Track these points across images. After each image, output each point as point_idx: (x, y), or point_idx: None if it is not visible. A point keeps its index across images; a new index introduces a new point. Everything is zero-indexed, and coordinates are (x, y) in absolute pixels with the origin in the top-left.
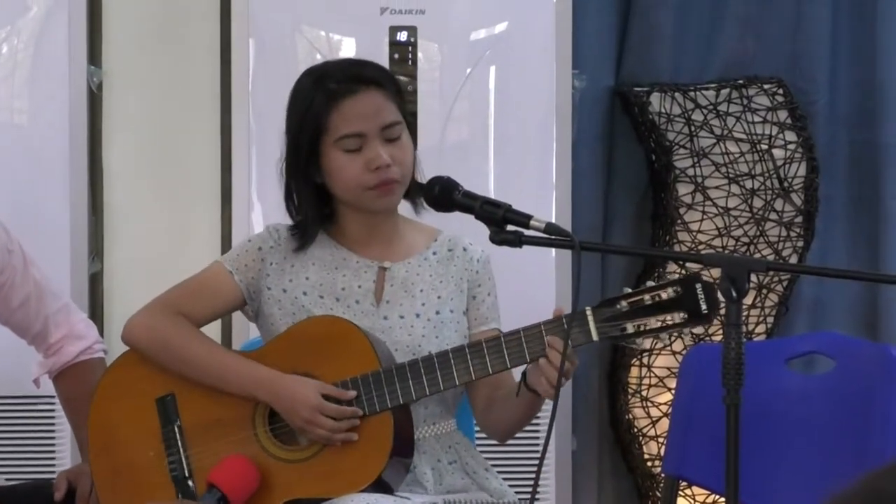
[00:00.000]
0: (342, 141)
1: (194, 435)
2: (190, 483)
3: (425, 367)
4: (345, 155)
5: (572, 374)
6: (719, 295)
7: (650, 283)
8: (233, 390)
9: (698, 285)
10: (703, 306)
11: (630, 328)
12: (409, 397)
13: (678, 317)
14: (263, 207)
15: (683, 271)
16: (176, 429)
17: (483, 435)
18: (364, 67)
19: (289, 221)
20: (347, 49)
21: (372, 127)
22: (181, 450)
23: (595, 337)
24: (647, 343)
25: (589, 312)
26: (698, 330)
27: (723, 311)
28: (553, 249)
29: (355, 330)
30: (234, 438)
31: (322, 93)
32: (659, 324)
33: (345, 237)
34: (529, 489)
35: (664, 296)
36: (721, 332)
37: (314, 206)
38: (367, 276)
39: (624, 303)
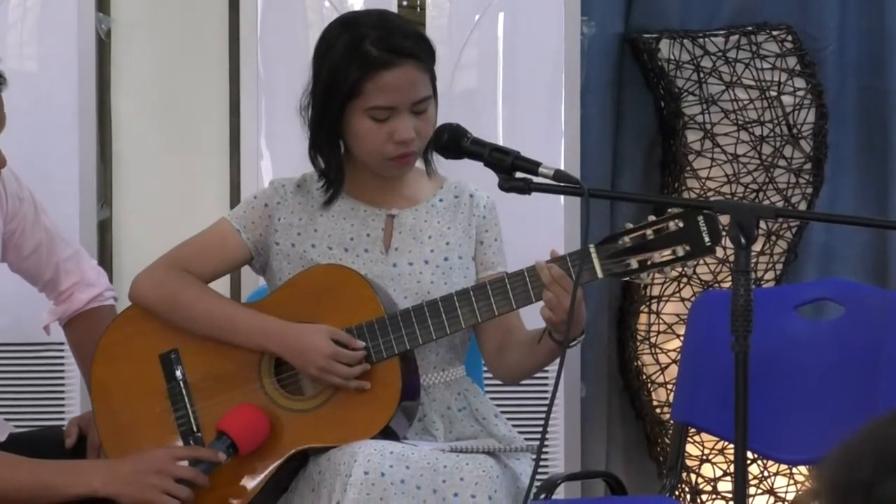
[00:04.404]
0: (372, 111)
1: (200, 389)
2: (199, 436)
3: (430, 311)
4: (371, 123)
5: (579, 307)
6: (723, 229)
7: (652, 218)
8: (242, 343)
9: (700, 217)
10: (706, 238)
11: (634, 263)
12: (415, 342)
13: (682, 249)
14: (272, 154)
15: None
16: (181, 384)
17: (492, 381)
18: (404, 38)
19: (293, 175)
20: None
21: (404, 101)
22: (188, 405)
23: (600, 274)
24: (651, 277)
25: (592, 249)
26: (707, 277)
27: (731, 256)
28: (561, 197)
29: (357, 277)
30: (241, 391)
31: (359, 58)
32: (663, 257)
33: (352, 186)
34: (538, 435)
35: (666, 229)
36: (730, 278)
37: (340, 167)
38: (375, 224)
39: (626, 238)
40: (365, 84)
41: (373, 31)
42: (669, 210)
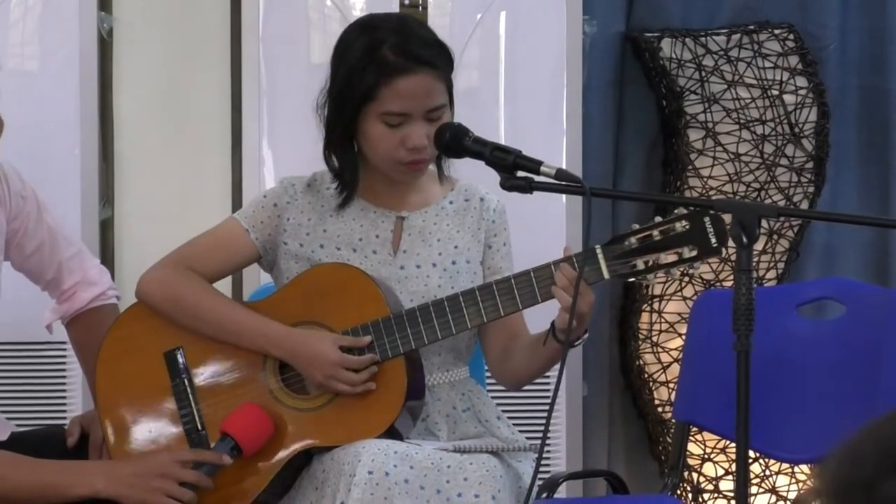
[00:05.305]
0: (386, 116)
1: (204, 387)
2: (203, 434)
3: (436, 311)
4: (385, 128)
5: (591, 311)
6: (728, 229)
7: (658, 219)
8: (245, 345)
9: (707, 219)
10: (713, 239)
11: (640, 264)
12: (420, 342)
13: (688, 251)
14: (274, 153)
15: None
16: (185, 382)
17: (493, 382)
18: (422, 45)
19: (301, 174)
20: None
21: (418, 108)
22: (192, 403)
23: (606, 275)
24: (657, 278)
25: (599, 250)
26: (709, 276)
27: (733, 255)
28: (563, 195)
29: (363, 276)
30: (246, 389)
31: (375, 63)
32: (669, 259)
33: (363, 188)
34: (540, 435)
35: (673, 230)
36: (731, 277)
37: (354, 168)
38: (384, 226)
39: (633, 239)
40: (380, 89)
41: (391, 37)
42: (676, 211)
